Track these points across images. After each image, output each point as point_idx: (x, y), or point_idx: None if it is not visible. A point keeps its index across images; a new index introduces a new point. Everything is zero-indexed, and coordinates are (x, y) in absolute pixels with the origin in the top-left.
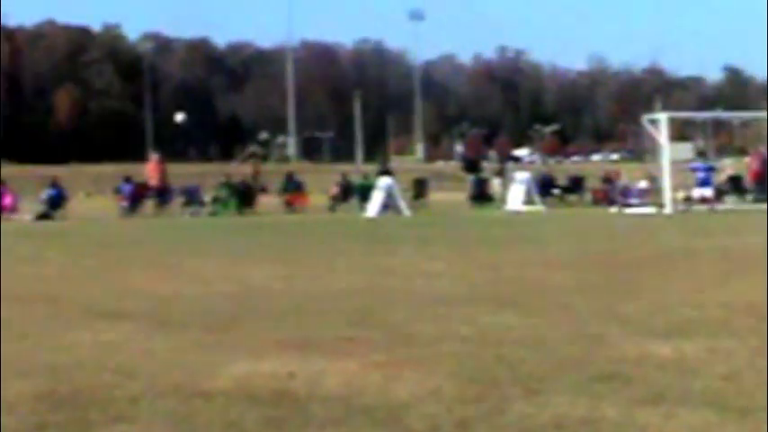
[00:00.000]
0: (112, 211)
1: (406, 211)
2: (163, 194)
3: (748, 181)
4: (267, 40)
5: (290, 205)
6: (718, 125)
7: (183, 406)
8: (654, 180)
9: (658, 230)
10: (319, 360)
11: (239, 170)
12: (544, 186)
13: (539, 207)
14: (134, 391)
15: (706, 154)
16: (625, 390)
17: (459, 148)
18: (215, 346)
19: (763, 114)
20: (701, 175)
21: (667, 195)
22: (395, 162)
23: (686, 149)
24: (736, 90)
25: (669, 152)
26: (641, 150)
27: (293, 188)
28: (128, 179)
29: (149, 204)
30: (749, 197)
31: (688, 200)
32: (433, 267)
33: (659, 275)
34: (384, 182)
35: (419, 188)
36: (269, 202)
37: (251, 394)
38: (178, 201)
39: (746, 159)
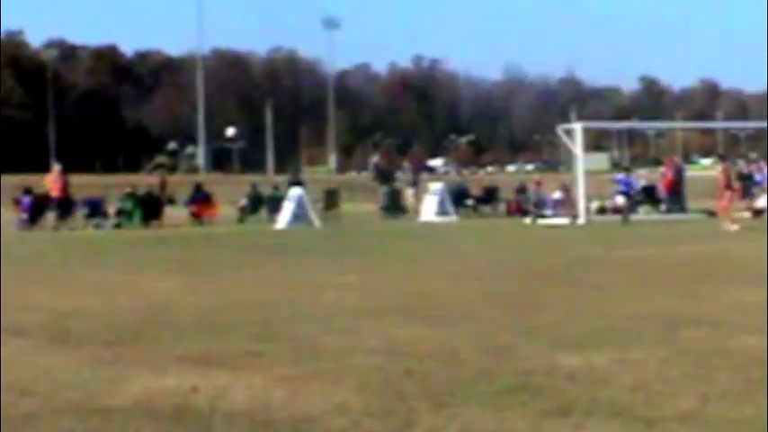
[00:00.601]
0: (11, 223)
1: (317, 223)
2: (64, 206)
3: (662, 191)
4: (177, 47)
5: (197, 217)
6: (634, 135)
7: (81, 424)
8: (568, 190)
9: (571, 241)
10: (223, 375)
11: (146, 181)
12: (458, 197)
13: (452, 218)
14: (30, 409)
15: (622, 164)
16: (534, 401)
17: (375, 158)
18: (115, 362)
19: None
20: (622, 187)
21: (581, 206)
22: (307, 173)
23: (601, 160)
24: (652, 100)
25: (584, 162)
26: (556, 161)
27: (201, 199)
28: (27, 190)
29: (50, 217)
30: (663, 207)
31: (602, 210)
32: (344, 280)
33: (570, 286)
34: (295, 192)
35: (330, 199)
36: (176, 214)
37: (151, 410)
38: (81, 213)
39: (661, 169)
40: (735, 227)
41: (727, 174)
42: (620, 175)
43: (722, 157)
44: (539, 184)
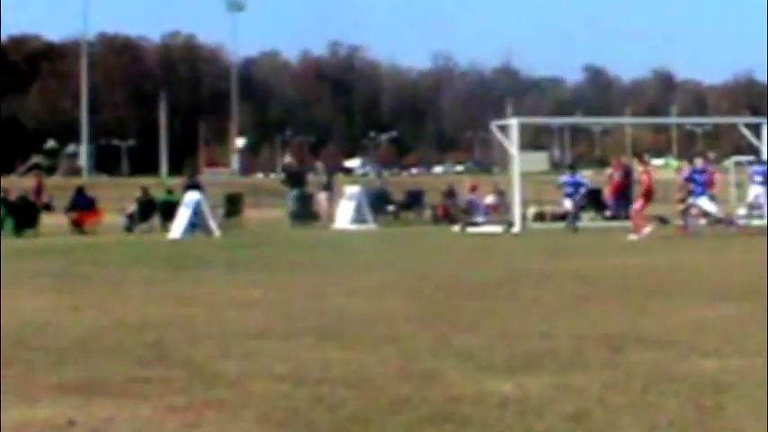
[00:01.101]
0: None
1: (217, 232)
2: None
3: (607, 195)
4: (57, 31)
5: (78, 225)
6: (577, 132)
7: None
8: (502, 194)
9: (505, 252)
10: (106, 404)
11: (20, 184)
12: (378, 202)
13: (371, 226)
14: None
15: (563, 164)
16: None
17: (288, 158)
18: None
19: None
20: (569, 189)
21: (516, 212)
22: (206, 174)
23: (540, 160)
24: (598, 93)
25: (520, 162)
26: (489, 161)
27: (83, 205)
28: None
29: None
30: (607, 213)
31: (541, 217)
32: (247, 296)
33: (504, 302)
34: (191, 197)
35: (233, 204)
36: (54, 221)
37: None
38: None
39: (608, 170)
40: (634, 236)
41: (649, 175)
42: (566, 177)
43: (637, 155)
44: (474, 188)
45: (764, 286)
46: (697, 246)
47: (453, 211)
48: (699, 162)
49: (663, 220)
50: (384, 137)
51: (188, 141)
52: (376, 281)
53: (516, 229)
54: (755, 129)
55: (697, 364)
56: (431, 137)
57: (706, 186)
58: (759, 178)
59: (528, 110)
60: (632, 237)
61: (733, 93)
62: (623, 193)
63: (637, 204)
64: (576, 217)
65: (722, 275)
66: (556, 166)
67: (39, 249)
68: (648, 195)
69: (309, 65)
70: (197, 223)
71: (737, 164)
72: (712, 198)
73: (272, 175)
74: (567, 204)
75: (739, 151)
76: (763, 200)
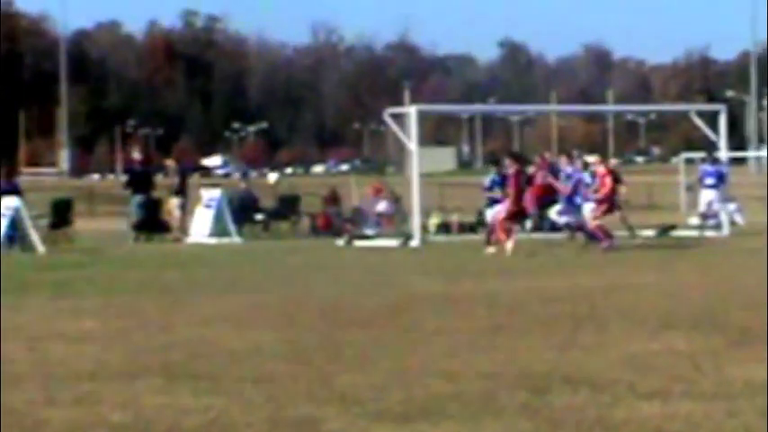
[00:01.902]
0: None
1: (41, 247)
2: None
3: (528, 201)
4: None
5: None
6: (491, 123)
7: None
8: (398, 201)
9: (401, 270)
10: None
11: None
12: (243, 209)
13: (234, 239)
14: None
15: (473, 163)
16: None
17: (136, 154)
18: None
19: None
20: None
21: (416, 222)
22: (27, 176)
23: (446, 157)
24: (518, 74)
25: (420, 161)
26: (382, 159)
27: None
28: None
29: None
30: (528, 224)
31: (445, 228)
32: (78, 327)
33: (399, 334)
34: (8, 204)
35: (60, 213)
36: None
37: None
38: None
39: (530, 170)
40: (492, 249)
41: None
42: (492, 177)
43: (515, 157)
44: (378, 191)
45: (722, 312)
46: (640, 263)
47: (337, 221)
48: (563, 162)
49: (630, 229)
50: (251, 129)
51: (4, 134)
52: (240, 307)
53: (415, 242)
54: (711, 119)
55: (637, 408)
56: (309, 129)
57: (573, 192)
58: (711, 180)
59: (430, 95)
60: (509, 245)
61: (684, 74)
62: (549, 198)
63: (597, 211)
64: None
65: (670, 299)
66: (465, 165)
67: None
68: (608, 201)
69: (157, 39)
70: (14, 237)
71: (689, 161)
72: (571, 207)
73: (111, 177)
74: (490, 214)
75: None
76: (717, 206)
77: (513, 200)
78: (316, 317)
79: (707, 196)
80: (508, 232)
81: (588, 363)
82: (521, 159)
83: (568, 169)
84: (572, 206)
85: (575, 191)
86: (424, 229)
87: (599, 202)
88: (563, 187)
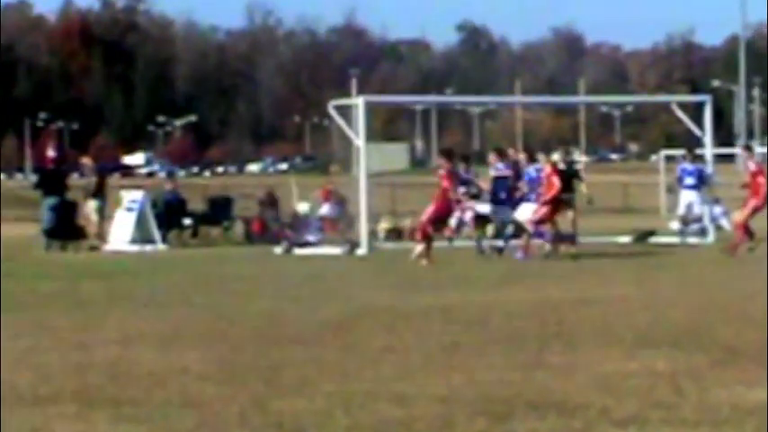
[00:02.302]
0: None
1: None
2: None
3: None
4: None
5: None
6: (449, 116)
7: None
8: (343, 203)
9: (346, 282)
10: None
11: None
12: (169, 214)
13: (159, 246)
14: None
15: (428, 162)
16: None
17: (49, 151)
18: None
19: (517, 99)
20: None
21: (363, 227)
22: None
23: (397, 154)
24: (478, 61)
25: (369, 158)
26: (326, 156)
27: None
28: None
29: None
30: (489, 229)
31: (396, 234)
32: None
33: (343, 353)
34: None
35: None
36: None
37: None
38: None
39: (492, 170)
40: (425, 261)
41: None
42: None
43: (445, 156)
44: (328, 194)
45: (706, 328)
46: (615, 273)
47: (275, 227)
48: (523, 161)
49: (568, 239)
50: (178, 123)
51: None
52: (165, 323)
53: (362, 250)
54: (695, 111)
55: None
56: (243, 123)
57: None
58: (690, 180)
59: (380, 85)
60: (423, 262)
61: (664, 61)
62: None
63: (538, 213)
64: (454, 233)
65: (648, 314)
66: (419, 163)
67: None
68: (552, 204)
69: (72, 22)
70: None
71: (670, 159)
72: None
73: (20, 176)
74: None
75: (672, 142)
76: (699, 209)
77: (440, 201)
78: (250, 334)
79: (687, 198)
80: (428, 238)
81: (556, 385)
82: (454, 157)
83: (530, 169)
84: (501, 205)
85: (529, 192)
86: (372, 235)
87: (543, 203)
88: (480, 184)
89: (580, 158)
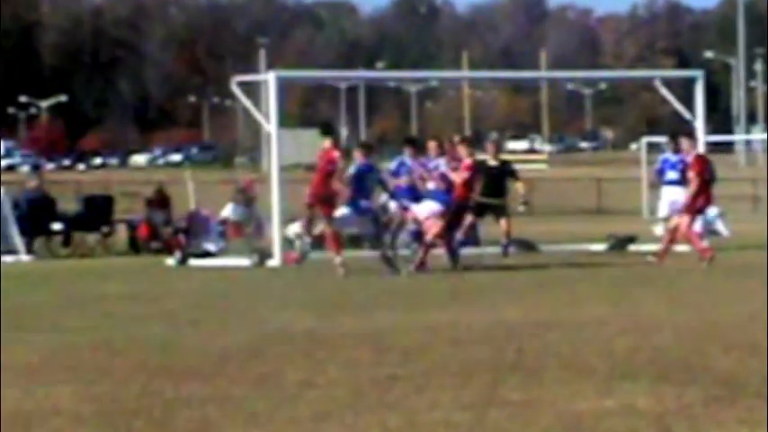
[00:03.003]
0: None
1: None
2: None
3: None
4: None
5: None
6: (380, 95)
7: None
8: (251, 203)
9: (255, 301)
10: None
11: None
12: (35, 217)
13: (22, 257)
14: None
15: (360, 145)
16: None
17: None
18: None
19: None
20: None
21: (275, 232)
22: None
23: (316, 141)
24: (415, 28)
25: (282, 147)
26: (229, 146)
27: None
28: None
29: None
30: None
31: (318, 240)
32: None
33: (251, 389)
34: None
35: None
36: None
37: None
38: None
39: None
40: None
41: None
42: (401, 159)
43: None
44: (244, 190)
45: (698, 356)
46: (587, 290)
47: (166, 233)
48: (433, 150)
49: (527, 246)
50: (44, 104)
51: None
52: (31, 353)
53: (275, 261)
54: (684, 89)
55: None
56: (126, 105)
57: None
58: (674, 174)
59: (296, 57)
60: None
61: (645, 28)
62: (465, 198)
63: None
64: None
65: (628, 339)
66: (344, 154)
67: None
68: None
69: None
70: None
71: (653, 148)
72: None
73: None
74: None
75: (655, 127)
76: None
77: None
78: (136, 365)
79: (669, 195)
80: (338, 242)
81: (514, 427)
82: (371, 150)
83: (440, 162)
84: (358, 212)
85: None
86: (287, 242)
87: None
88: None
89: (542, 147)
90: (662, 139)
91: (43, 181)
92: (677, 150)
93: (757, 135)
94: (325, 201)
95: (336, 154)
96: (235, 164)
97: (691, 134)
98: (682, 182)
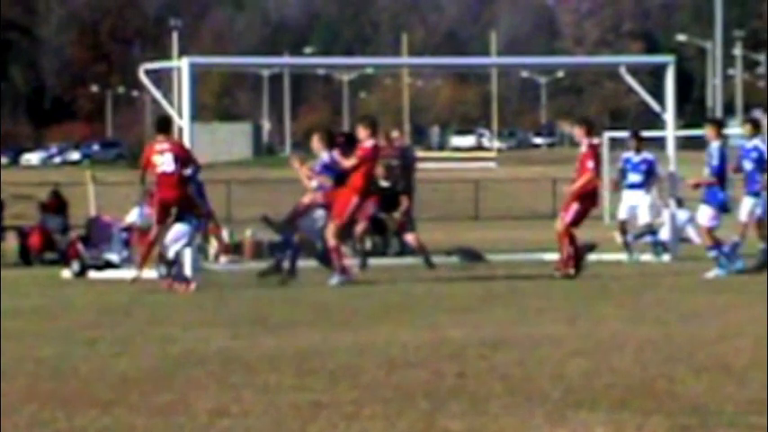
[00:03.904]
0: None
1: None
2: None
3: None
4: None
5: None
6: (308, 84)
7: None
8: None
9: (164, 317)
10: None
11: None
12: None
13: None
14: None
15: (275, 145)
16: None
17: None
18: None
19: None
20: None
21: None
22: None
23: (240, 138)
24: (349, 8)
25: (197, 144)
26: (136, 142)
27: None
28: None
29: None
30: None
31: (236, 249)
32: None
33: (157, 418)
34: None
35: None
36: None
37: None
38: None
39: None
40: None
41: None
42: (325, 159)
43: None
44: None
45: (664, 380)
46: (539, 305)
47: (62, 241)
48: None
49: (472, 255)
50: None
51: None
52: None
53: (187, 272)
54: (653, 77)
55: None
56: (17, 96)
57: None
58: (636, 176)
59: (212, 41)
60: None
61: (608, 8)
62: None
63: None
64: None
65: (585, 361)
66: (266, 151)
67: None
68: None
69: None
70: None
71: (616, 144)
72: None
73: None
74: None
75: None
76: (647, 217)
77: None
78: (23, 391)
79: (630, 200)
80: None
81: None
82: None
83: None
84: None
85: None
86: (201, 251)
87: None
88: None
89: (491, 143)
90: (627, 135)
91: None
92: (639, 149)
93: (735, 129)
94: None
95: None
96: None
97: (586, 121)
98: (644, 185)
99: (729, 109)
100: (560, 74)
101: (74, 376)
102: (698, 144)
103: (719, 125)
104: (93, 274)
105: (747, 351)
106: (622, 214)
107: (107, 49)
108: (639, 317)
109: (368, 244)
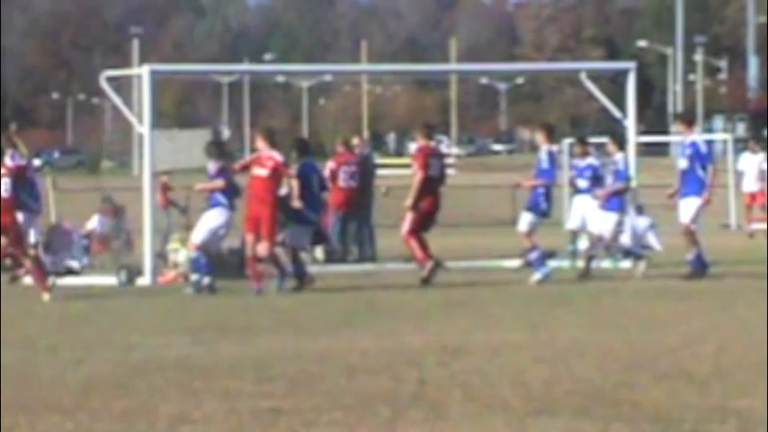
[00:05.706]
0: None
1: None
2: None
3: (329, 213)
4: None
5: None
6: (268, 91)
7: None
8: (120, 214)
9: (123, 324)
10: None
11: None
12: None
13: None
14: None
15: (234, 152)
16: None
17: None
18: None
19: (363, 68)
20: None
21: (147, 248)
22: None
23: (195, 143)
24: (309, 16)
25: (156, 151)
26: (96, 148)
27: None
28: None
29: None
30: (325, 249)
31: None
32: None
33: (117, 425)
34: None
35: None
36: None
37: None
38: None
39: (328, 163)
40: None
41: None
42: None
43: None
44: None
45: (626, 387)
46: (499, 311)
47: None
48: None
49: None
50: None
51: None
52: None
53: (146, 280)
54: (614, 83)
55: None
56: None
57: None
58: (583, 181)
59: (173, 49)
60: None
61: (568, 14)
62: (356, 205)
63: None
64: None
65: (545, 368)
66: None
67: None
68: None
69: None
70: None
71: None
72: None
73: None
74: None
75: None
76: (607, 231)
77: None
78: None
79: (579, 206)
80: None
81: None
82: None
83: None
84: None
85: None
86: (160, 258)
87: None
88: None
89: (450, 150)
90: (592, 141)
91: None
92: (585, 154)
93: (695, 135)
94: None
95: None
96: (101, 169)
97: (428, 127)
98: (590, 190)
99: (691, 115)
100: (520, 80)
101: (35, 382)
102: (658, 150)
103: (690, 122)
104: (53, 280)
105: (709, 358)
106: (574, 223)
107: (68, 56)
108: (600, 324)
109: (318, 253)
